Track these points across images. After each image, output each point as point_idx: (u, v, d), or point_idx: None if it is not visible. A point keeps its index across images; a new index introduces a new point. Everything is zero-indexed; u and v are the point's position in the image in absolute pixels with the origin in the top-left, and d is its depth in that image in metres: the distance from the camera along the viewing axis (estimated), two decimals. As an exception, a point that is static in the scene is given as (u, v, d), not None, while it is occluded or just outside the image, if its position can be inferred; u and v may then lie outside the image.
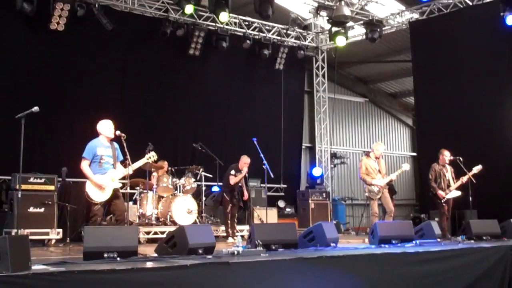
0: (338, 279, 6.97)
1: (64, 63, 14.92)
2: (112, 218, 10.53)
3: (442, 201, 12.76)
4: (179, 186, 13.40)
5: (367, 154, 12.94)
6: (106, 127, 9.75)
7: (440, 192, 12.77)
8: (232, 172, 13.02)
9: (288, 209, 18.00)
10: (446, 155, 13.01)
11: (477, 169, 12.69)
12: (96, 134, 9.72)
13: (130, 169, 9.68)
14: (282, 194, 18.91)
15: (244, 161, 13.09)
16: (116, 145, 9.79)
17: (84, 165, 9.44)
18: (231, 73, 18.36)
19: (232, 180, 13.00)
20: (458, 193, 12.91)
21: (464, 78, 15.94)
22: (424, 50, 17.21)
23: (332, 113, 20.87)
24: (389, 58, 21.66)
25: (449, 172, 12.99)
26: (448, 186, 12.84)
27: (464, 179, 12.70)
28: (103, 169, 9.50)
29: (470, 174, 12.67)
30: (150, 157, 10.18)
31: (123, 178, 9.76)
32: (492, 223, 11.07)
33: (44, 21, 14.38)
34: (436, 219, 12.99)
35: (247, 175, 13.31)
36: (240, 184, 13.29)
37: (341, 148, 22.36)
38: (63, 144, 14.40)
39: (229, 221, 13.17)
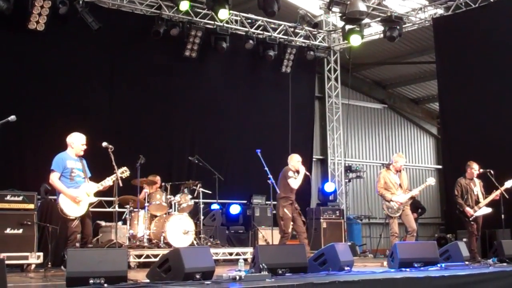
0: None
1: (45, 66, 14.94)
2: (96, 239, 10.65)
3: (470, 219, 12.75)
4: (174, 203, 13.40)
5: (387, 166, 12.92)
6: (78, 142, 10.18)
7: (468, 209, 12.74)
8: (290, 173, 12.24)
9: (297, 230, 18.00)
10: (475, 168, 12.99)
11: (509, 183, 12.68)
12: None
13: (100, 185, 10.08)
14: (290, 212, 18.88)
15: (297, 159, 12.51)
16: (83, 161, 10.03)
17: (55, 178, 9.76)
18: (232, 77, 18.39)
19: (295, 183, 12.24)
20: (489, 210, 12.86)
21: (495, 80, 15.94)
22: (450, 50, 17.23)
23: (347, 121, 20.90)
24: (411, 59, 21.68)
25: (477, 187, 12.98)
26: (477, 202, 12.82)
27: (496, 194, 12.70)
28: (75, 182, 9.92)
29: (502, 188, 12.67)
30: (123, 172, 10.25)
31: (102, 195, 9.98)
32: (527, 243, 11.08)
33: (22, 20, 14.33)
34: (464, 239, 13.01)
35: (309, 175, 12.74)
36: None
37: (357, 160, 22.37)
38: (44, 157, 14.26)
39: (305, 240, 12.39)
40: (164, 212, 13.30)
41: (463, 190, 12.92)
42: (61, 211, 9.62)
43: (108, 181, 10.17)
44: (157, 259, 8.56)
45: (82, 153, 10.10)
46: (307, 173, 12.56)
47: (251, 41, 17.91)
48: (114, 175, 10.11)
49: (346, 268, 8.72)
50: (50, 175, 9.80)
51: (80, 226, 9.79)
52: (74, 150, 10.11)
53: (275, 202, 12.63)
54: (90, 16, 14.88)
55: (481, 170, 12.96)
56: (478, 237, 13.04)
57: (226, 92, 18.16)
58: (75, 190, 9.78)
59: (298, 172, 12.38)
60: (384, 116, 24.13)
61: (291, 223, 12.26)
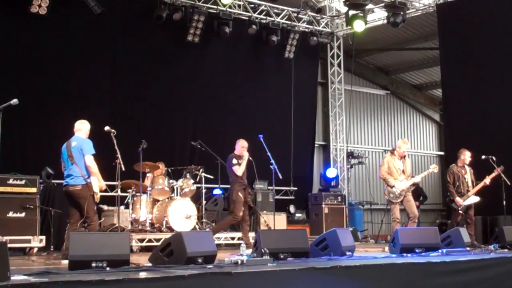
0: (354, 291, 7.00)
1: (47, 51, 14.90)
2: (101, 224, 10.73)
3: (459, 209, 12.83)
4: (177, 188, 13.44)
5: (391, 151, 12.93)
6: (88, 130, 10.22)
7: (458, 199, 12.90)
8: (234, 161, 12.45)
9: (298, 214, 18.05)
10: (467, 156, 13.13)
11: (497, 170, 12.78)
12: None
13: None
14: (292, 197, 18.95)
15: (242, 145, 12.64)
16: None
17: (93, 161, 9.83)
18: (234, 62, 18.37)
19: (239, 170, 12.42)
20: (477, 199, 13.02)
21: (499, 67, 15.89)
22: (454, 36, 17.17)
23: (349, 107, 20.85)
24: (414, 45, 21.63)
25: (468, 174, 13.12)
26: (468, 190, 12.92)
27: (483, 183, 12.84)
28: None
29: (490, 177, 12.79)
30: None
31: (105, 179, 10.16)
32: (528, 229, 11.10)
33: (24, 3, 14.29)
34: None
35: (252, 160, 12.78)
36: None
37: (359, 146, 22.36)
38: (46, 141, 14.44)
39: (247, 227, 12.74)
40: (167, 196, 13.34)
41: (455, 177, 13.01)
42: (93, 194, 9.83)
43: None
44: (159, 243, 8.59)
45: None
46: (250, 159, 12.56)
47: (254, 26, 17.84)
48: None
49: (347, 253, 8.74)
50: (90, 158, 9.80)
51: None
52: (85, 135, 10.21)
53: (278, 188, 12.70)
54: (92, 0, 14.83)
55: (483, 157, 12.99)
56: (472, 224, 13.09)
57: (228, 77, 18.14)
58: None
59: (242, 157, 12.47)
60: (387, 102, 24.10)
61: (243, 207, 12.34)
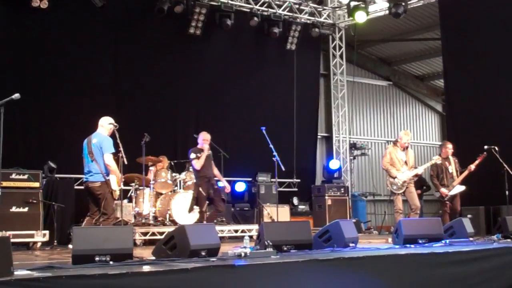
0: (358, 283, 6.98)
1: (49, 45, 14.91)
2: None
3: (445, 199, 12.96)
4: (180, 181, 13.46)
5: (394, 142, 12.98)
6: (110, 127, 10.47)
7: (443, 190, 13.13)
8: (193, 155, 12.37)
9: (301, 206, 18.08)
10: (449, 148, 13.40)
11: (482, 156, 13.06)
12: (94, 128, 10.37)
13: None
14: (295, 189, 18.98)
15: (204, 138, 12.62)
16: None
17: (112, 160, 10.18)
18: (236, 54, 18.37)
19: (197, 163, 12.35)
20: (462, 188, 13.23)
21: (500, 57, 15.82)
22: (455, 26, 17.12)
23: (352, 99, 20.84)
24: (416, 36, 21.58)
25: (452, 165, 13.31)
26: (453, 181, 13.08)
27: (472, 167, 13.06)
28: None
29: (475, 163, 13.05)
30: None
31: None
32: (532, 219, 11.07)
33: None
34: (469, 215, 13.04)
35: (210, 153, 12.84)
36: (213, 173, 13.01)
37: (362, 137, 22.35)
38: (49, 135, 14.48)
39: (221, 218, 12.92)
40: (170, 190, 13.36)
41: (438, 170, 13.17)
42: (111, 191, 10.21)
43: None
44: (162, 237, 8.59)
45: None
46: (209, 152, 12.68)
47: (255, 18, 17.82)
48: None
49: (351, 245, 8.72)
50: (109, 157, 10.17)
51: None
52: (109, 132, 10.44)
53: (281, 180, 12.70)
54: (94, -7, 14.84)
55: (486, 147, 13.00)
56: (457, 214, 13.23)
57: (230, 69, 18.13)
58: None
59: (203, 150, 12.44)
60: (389, 93, 24.07)
61: (207, 202, 12.37)
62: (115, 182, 10.24)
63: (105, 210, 10.10)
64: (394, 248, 9.12)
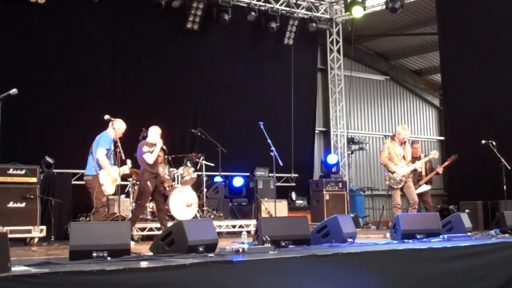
0: (356, 278, 6.98)
1: (46, 39, 14.87)
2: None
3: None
4: (177, 176, 13.42)
5: (392, 137, 12.98)
6: (122, 129, 10.62)
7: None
8: (145, 148, 11.69)
9: (299, 201, 18.05)
10: (416, 147, 13.84)
11: (451, 158, 13.54)
12: (104, 127, 10.58)
13: (126, 168, 10.99)
14: (293, 184, 18.97)
15: (156, 132, 12.01)
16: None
17: (103, 155, 10.28)
18: (234, 49, 18.31)
19: (150, 157, 11.63)
20: (428, 187, 13.52)
21: (498, 52, 15.83)
22: (452, 21, 17.12)
23: (349, 93, 20.82)
24: (413, 31, 21.57)
25: (421, 164, 13.39)
26: (419, 180, 13.24)
27: (440, 170, 13.62)
28: (110, 163, 10.51)
29: (442, 165, 13.72)
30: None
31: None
32: (529, 214, 11.07)
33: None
34: (467, 210, 13.04)
35: (165, 148, 12.61)
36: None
37: (359, 132, 22.32)
38: (46, 130, 14.43)
39: (164, 216, 12.11)
40: (167, 185, 13.31)
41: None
42: (99, 187, 10.25)
43: (125, 169, 11.01)
44: (160, 232, 8.58)
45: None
46: (164, 147, 12.37)
47: (253, 13, 17.77)
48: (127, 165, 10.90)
49: (349, 240, 8.72)
50: (100, 151, 10.29)
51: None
52: (115, 133, 10.49)
53: (278, 174, 12.63)
54: (91, -13, 14.79)
55: (483, 142, 12.99)
56: (431, 210, 13.47)
57: (228, 64, 18.09)
58: (114, 171, 10.45)
59: (155, 145, 11.93)
60: (387, 87, 24.05)
61: (150, 197, 11.93)
62: (105, 177, 10.34)
63: (94, 203, 10.26)
64: (392, 243, 9.11)
